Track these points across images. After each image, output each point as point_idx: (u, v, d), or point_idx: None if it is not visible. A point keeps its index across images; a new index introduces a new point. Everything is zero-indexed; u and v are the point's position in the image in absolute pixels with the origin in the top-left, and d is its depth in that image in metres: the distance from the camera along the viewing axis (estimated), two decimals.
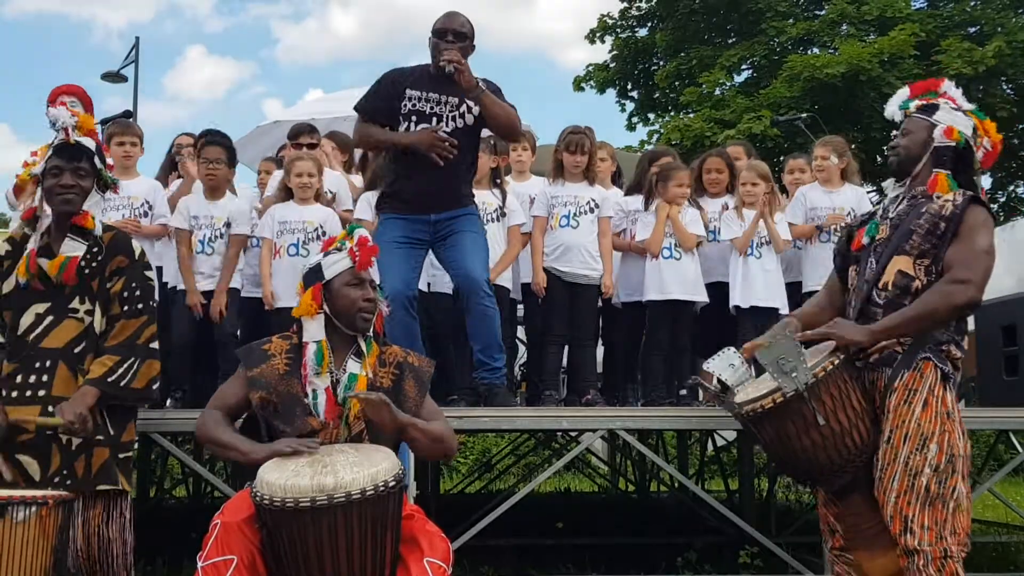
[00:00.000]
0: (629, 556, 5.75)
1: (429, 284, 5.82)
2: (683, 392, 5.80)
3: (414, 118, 4.78)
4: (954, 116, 3.62)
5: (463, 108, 4.76)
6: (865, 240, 3.65)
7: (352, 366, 3.39)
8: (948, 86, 3.71)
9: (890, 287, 3.48)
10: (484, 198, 5.69)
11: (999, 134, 3.72)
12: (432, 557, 2.99)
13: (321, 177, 5.67)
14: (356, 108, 4.97)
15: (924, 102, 3.67)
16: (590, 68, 22.25)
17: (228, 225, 5.62)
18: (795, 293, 5.95)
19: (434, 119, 4.76)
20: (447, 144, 4.60)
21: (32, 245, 3.70)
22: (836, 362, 3.41)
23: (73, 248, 3.70)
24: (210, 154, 5.62)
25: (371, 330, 3.48)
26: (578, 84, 22.34)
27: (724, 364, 3.60)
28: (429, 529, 3.11)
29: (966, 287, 3.36)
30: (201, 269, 5.59)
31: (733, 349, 3.65)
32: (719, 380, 3.61)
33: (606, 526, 7.00)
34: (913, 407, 3.34)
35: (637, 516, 7.95)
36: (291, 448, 3.12)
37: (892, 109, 3.78)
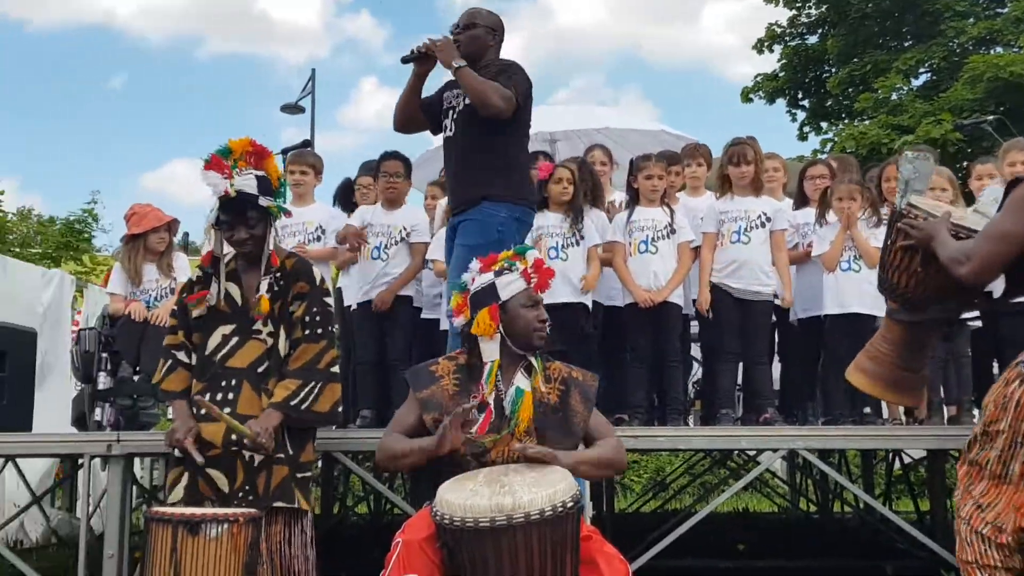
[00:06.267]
0: None
1: (605, 299, 5.83)
2: (867, 410, 5.58)
3: (443, 116, 4.82)
4: None
5: (459, 93, 4.71)
6: None
7: (520, 381, 3.40)
8: None
9: None
10: (654, 215, 5.67)
11: None
12: None
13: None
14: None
15: None
16: (758, 78, 21.85)
17: (406, 234, 5.88)
18: None
19: (450, 111, 4.77)
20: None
21: (214, 289, 3.90)
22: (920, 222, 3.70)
23: (263, 287, 3.87)
24: (390, 168, 5.91)
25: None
26: (746, 95, 21.98)
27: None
28: (607, 551, 3.08)
29: None
30: (371, 274, 5.77)
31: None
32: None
33: (788, 548, 6.78)
34: None
35: (821, 538, 7.68)
36: (450, 423, 3.17)
37: None
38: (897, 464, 8.51)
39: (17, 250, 13.30)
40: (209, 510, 3.44)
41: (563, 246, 5.54)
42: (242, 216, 3.85)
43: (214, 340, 3.88)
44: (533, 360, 3.46)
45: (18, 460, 6.43)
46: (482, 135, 4.63)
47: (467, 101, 4.63)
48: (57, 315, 8.72)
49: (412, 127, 4.99)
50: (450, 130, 4.78)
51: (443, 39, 4.60)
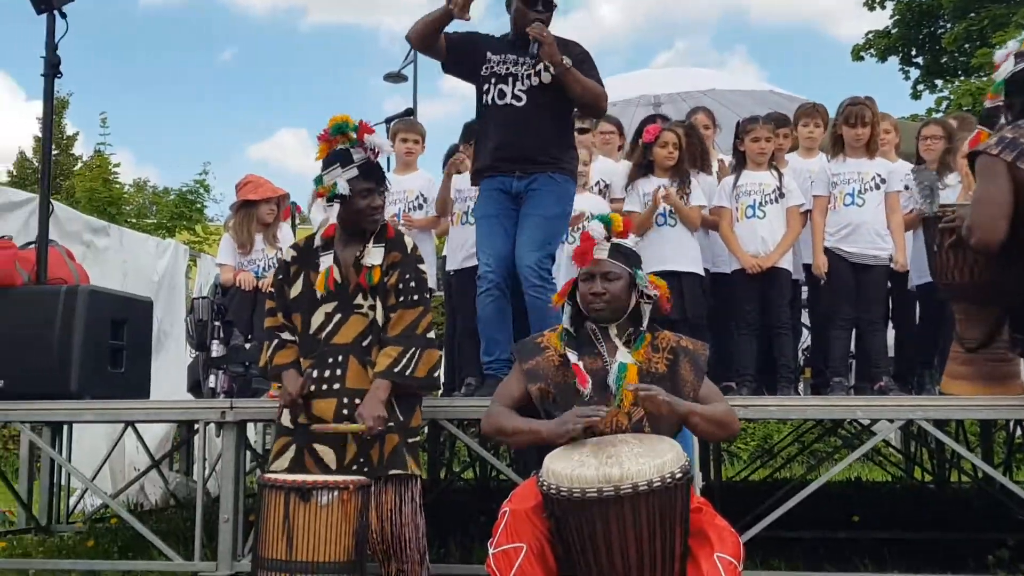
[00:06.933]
0: (931, 552, 5.37)
1: (711, 266, 5.73)
2: None
3: (493, 80, 4.79)
4: None
5: (540, 66, 4.66)
6: None
7: (622, 355, 3.35)
8: None
9: None
10: (761, 179, 5.53)
11: None
12: (722, 552, 2.90)
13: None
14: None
15: None
16: (870, 36, 21.27)
17: None
18: None
19: (510, 79, 4.74)
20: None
21: (330, 263, 3.91)
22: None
23: (376, 256, 3.89)
24: None
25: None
26: (857, 53, 21.43)
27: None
28: (718, 523, 3.03)
29: None
30: (468, 240, 5.78)
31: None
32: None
33: (904, 519, 6.60)
34: None
35: (938, 509, 7.46)
36: (579, 423, 3.11)
37: None
38: (1018, 433, 8.21)
39: (133, 221, 13.73)
40: (320, 477, 3.50)
41: (671, 211, 5.45)
42: (378, 183, 3.92)
43: (317, 319, 3.92)
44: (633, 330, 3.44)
45: (137, 425, 6.65)
46: (557, 111, 4.79)
47: (543, 78, 4.67)
48: (172, 284, 8.99)
49: (427, 52, 4.89)
50: (517, 99, 4.76)
51: (548, 33, 4.58)
